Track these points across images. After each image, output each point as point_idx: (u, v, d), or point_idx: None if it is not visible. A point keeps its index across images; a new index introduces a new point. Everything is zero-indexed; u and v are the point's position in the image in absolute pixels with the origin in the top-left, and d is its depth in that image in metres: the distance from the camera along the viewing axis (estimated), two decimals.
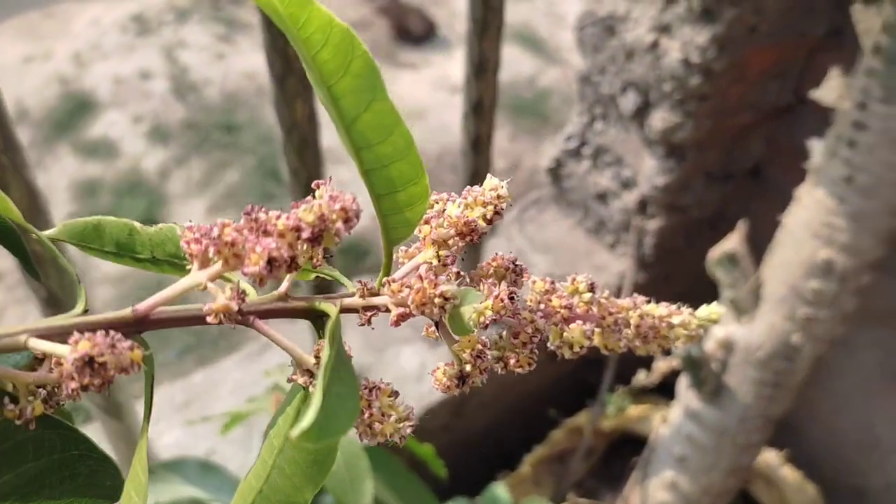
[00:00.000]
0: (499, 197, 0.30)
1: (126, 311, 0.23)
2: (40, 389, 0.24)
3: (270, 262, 0.22)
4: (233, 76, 2.96)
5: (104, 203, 2.52)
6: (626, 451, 1.08)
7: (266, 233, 0.23)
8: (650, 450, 0.98)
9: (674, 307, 0.36)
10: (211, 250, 0.22)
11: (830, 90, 0.97)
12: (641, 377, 1.02)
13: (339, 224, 0.22)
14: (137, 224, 0.30)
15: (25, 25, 3.20)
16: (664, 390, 1.08)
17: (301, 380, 0.26)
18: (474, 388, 0.29)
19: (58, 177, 2.62)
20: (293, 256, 0.22)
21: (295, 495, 0.32)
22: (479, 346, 0.29)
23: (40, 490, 0.26)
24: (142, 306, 0.23)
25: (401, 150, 0.24)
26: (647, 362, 1.06)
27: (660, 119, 0.92)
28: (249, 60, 3.04)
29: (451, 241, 0.29)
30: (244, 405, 0.78)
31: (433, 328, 0.30)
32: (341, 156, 2.28)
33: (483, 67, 0.83)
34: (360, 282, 0.27)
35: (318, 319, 0.27)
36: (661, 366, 0.97)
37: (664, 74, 0.90)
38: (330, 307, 0.26)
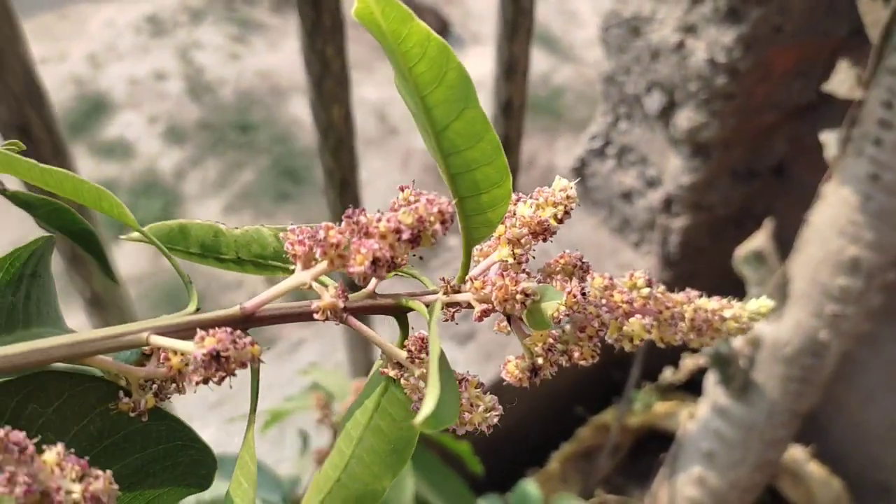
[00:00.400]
0: (568, 197, 0.31)
1: (235, 309, 0.24)
2: (149, 383, 0.26)
3: (375, 261, 0.23)
4: (247, 76, 2.98)
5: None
6: (652, 447, 1.09)
7: (367, 234, 0.24)
8: (678, 446, 0.99)
9: (725, 301, 0.37)
10: (317, 252, 0.23)
11: (841, 82, 0.98)
12: (668, 374, 1.03)
13: (437, 226, 0.24)
14: (223, 226, 0.31)
15: (40, 27, 3.23)
16: (690, 387, 1.09)
17: (392, 372, 0.27)
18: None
19: None
20: (393, 256, 0.24)
21: (374, 483, 0.33)
22: (550, 340, 0.30)
23: (144, 479, 0.27)
24: (249, 304, 0.25)
25: (488, 155, 0.25)
26: (673, 360, 1.07)
27: (685, 118, 0.93)
28: (264, 60, 3.06)
29: (523, 240, 0.31)
30: (283, 403, 0.79)
31: (504, 323, 0.31)
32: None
33: (513, 69, 0.84)
34: (443, 279, 0.28)
35: (402, 316, 0.29)
36: (689, 363, 0.98)
37: (690, 74, 0.91)
38: (417, 304, 0.27)
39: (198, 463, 0.28)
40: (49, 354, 0.22)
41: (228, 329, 0.22)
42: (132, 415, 0.25)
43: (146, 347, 0.25)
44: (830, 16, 0.93)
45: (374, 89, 2.95)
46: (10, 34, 0.54)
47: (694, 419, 0.98)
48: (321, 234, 0.24)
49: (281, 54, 3.08)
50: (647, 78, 0.97)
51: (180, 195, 2.58)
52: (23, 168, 0.23)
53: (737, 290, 0.91)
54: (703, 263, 1.10)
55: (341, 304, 0.24)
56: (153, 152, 2.68)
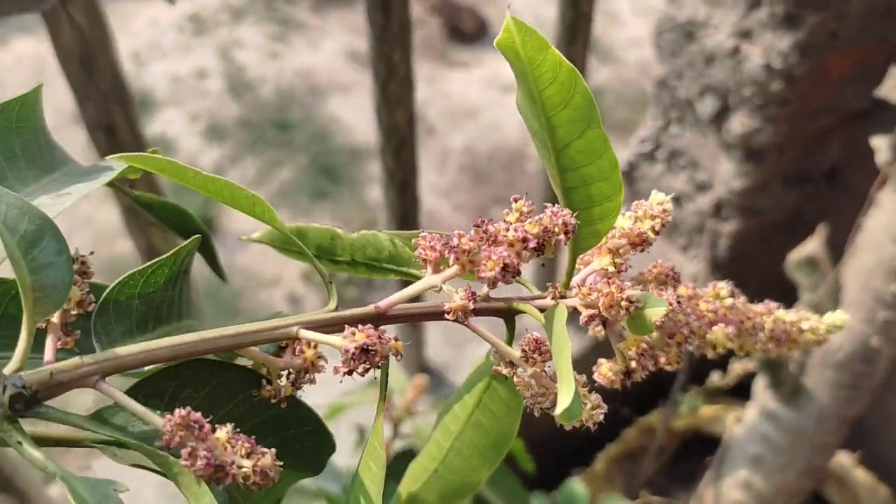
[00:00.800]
0: (664, 210, 0.33)
1: (370, 308, 0.27)
2: (285, 373, 0.28)
3: (504, 267, 0.25)
4: (287, 75, 3.02)
5: None
6: (697, 450, 1.10)
7: (495, 242, 0.26)
8: (724, 449, 1.00)
9: (802, 313, 0.38)
10: (451, 258, 0.26)
11: (895, 88, 0.98)
12: (716, 378, 1.04)
13: (561, 235, 0.26)
14: (340, 230, 0.33)
15: None
16: (736, 392, 1.09)
17: (505, 370, 0.29)
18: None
19: None
20: (518, 263, 0.26)
21: (471, 475, 0.35)
22: (644, 345, 0.32)
23: None
24: (383, 304, 0.27)
25: (605, 171, 0.27)
26: (720, 364, 1.08)
27: (739, 123, 0.94)
28: (303, 59, 3.10)
29: (622, 250, 0.32)
30: (343, 398, 0.82)
31: (599, 327, 0.33)
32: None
33: None
34: (551, 285, 0.30)
35: (510, 318, 0.31)
36: (738, 367, 0.99)
37: (745, 79, 0.92)
38: (529, 308, 0.29)
39: (319, 448, 0.30)
40: (215, 344, 0.24)
41: (371, 326, 0.24)
42: (273, 401, 0.27)
43: (309, 341, 0.28)
44: (886, 21, 0.93)
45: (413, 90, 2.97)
46: (101, 37, 0.58)
47: (741, 423, 0.99)
48: (454, 241, 0.26)
49: (320, 54, 3.12)
50: (701, 82, 0.98)
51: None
52: (188, 175, 0.25)
53: (786, 295, 0.92)
54: (752, 268, 1.10)
55: (472, 306, 0.26)
56: (193, 149, 2.73)
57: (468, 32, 3.18)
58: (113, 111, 0.59)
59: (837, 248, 0.93)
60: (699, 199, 1.05)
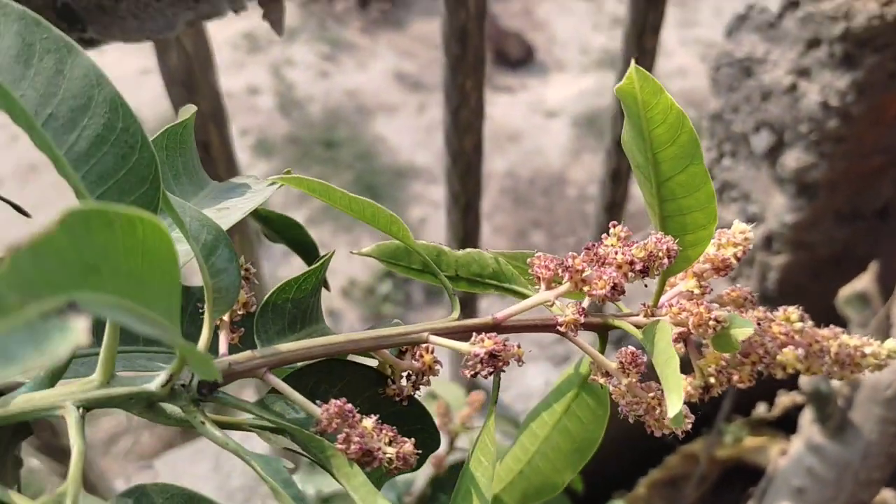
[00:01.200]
0: (745, 239, 0.36)
1: (488, 319, 0.30)
2: (406, 374, 0.31)
3: (614, 287, 0.28)
4: (335, 94, 3.10)
5: None
6: (738, 480, 1.10)
7: (604, 264, 0.29)
8: (767, 480, 1.01)
9: (865, 339, 0.41)
10: (565, 276, 0.29)
11: None
12: (761, 410, 1.05)
13: (665, 260, 0.29)
14: (445, 248, 0.37)
15: None
16: (780, 424, 1.10)
17: (602, 380, 0.32)
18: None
19: None
20: (623, 283, 0.29)
21: (554, 477, 0.38)
22: (723, 363, 0.35)
23: None
24: (500, 315, 0.30)
25: (702, 202, 0.30)
26: (763, 395, 1.09)
27: (794, 159, 0.96)
28: (352, 79, 3.18)
29: (706, 274, 0.35)
30: None
31: (681, 344, 0.35)
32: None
33: None
34: (644, 305, 0.33)
35: (604, 332, 0.34)
36: (785, 399, 1.00)
37: (801, 116, 0.94)
38: (625, 324, 0.32)
39: (427, 446, 0.33)
40: (359, 344, 0.28)
41: (494, 334, 0.28)
42: (396, 399, 0.31)
43: (437, 346, 0.31)
44: None
45: None
46: (205, 61, 0.62)
47: (786, 455, 1.00)
48: (569, 262, 0.29)
49: (368, 74, 3.20)
50: (757, 117, 1.00)
51: (265, 206, 2.70)
52: (335, 196, 0.29)
53: None
54: (801, 302, 1.11)
55: (582, 320, 0.29)
56: (243, 164, 2.81)
57: (514, 58, 3.23)
58: (210, 130, 0.64)
59: (888, 286, 0.94)
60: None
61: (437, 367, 0.31)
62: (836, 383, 0.92)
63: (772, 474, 1.00)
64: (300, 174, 0.31)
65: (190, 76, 0.61)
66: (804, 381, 0.93)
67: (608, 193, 0.96)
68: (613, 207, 0.96)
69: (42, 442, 0.60)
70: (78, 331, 0.15)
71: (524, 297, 0.34)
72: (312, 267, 0.29)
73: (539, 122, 3.07)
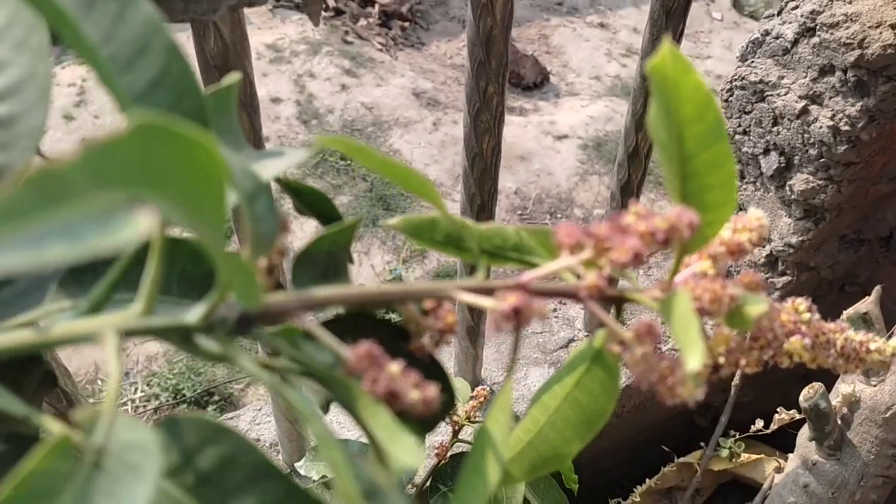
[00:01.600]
0: (761, 226, 0.37)
1: (512, 281, 0.31)
2: (428, 333, 0.32)
3: (635, 255, 0.29)
4: (353, 106, 3.14)
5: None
6: (733, 495, 1.11)
7: (627, 234, 0.30)
8: (762, 496, 1.01)
9: (871, 335, 0.42)
10: (588, 243, 0.30)
11: None
12: (759, 425, 1.05)
13: (686, 233, 0.30)
14: (470, 222, 0.38)
15: None
16: (777, 442, 1.10)
17: (617, 349, 0.33)
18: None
19: None
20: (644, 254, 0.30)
21: (563, 447, 0.39)
22: (732, 344, 0.36)
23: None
24: (524, 278, 0.31)
25: (723, 181, 0.31)
26: (763, 413, 1.09)
27: (802, 181, 0.97)
28: (370, 93, 3.22)
29: (720, 257, 0.37)
30: None
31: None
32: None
33: (644, 121, 0.90)
34: (659, 280, 0.35)
35: (620, 304, 0.35)
36: (783, 416, 1.01)
37: (812, 140, 0.95)
38: (641, 297, 0.33)
39: (445, 408, 0.35)
40: (390, 296, 0.29)
41: (523, 290, 0.29)
42: (417, 356, 0.32)
43: (426, 305, 0.32)
44: None
45: None
46: (241, 49, 0.64)
47: (783, 472, 1.00)
48: (592, 229, 0.30)
49: (386, 89, 3.24)
50: (767, 140, 1.02)
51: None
52: (372, 156, 0.30)
53: None
54: None
55: (605, 286, 0.30)
56: None
57: (528, 81, 3.27)
58: (242, 118, 0.66)
59: (889, 313, 0.95)
60: (755, 252, 1.08)
61: (457, 328, 0.32)
62: (835, 402, 0.93)
63: (767, 490, 1.00)
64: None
65: (226, 62, 0.62)
66: (803, 398, 0.94)
67: (617, 207, 0.97)
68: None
69: (58, 412, 0.61)
70: (141, 222, 0.16)
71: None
72: (347, 222, 0.30)
73: (549, 144, 3.10)
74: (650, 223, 0.30)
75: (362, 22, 3.66)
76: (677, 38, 0.84)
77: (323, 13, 3.46)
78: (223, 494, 0.25)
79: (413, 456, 0.24)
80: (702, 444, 1.10)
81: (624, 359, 0.34)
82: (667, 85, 0.29)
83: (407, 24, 3.72)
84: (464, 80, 2.96)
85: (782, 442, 1.08)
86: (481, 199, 0.85)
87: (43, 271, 0.37)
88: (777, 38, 1.02)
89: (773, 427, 0.99)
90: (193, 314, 0.25)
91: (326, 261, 0.30)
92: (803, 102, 0.97)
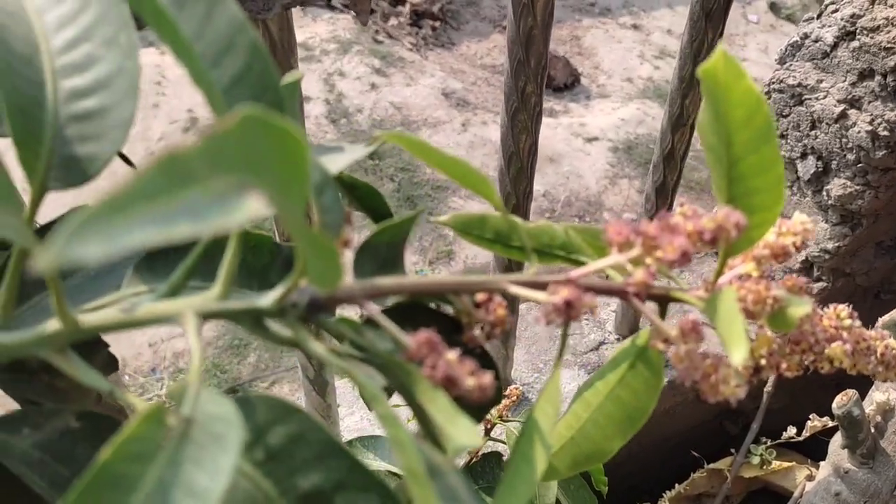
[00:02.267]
0: (806, 230, 0.38)
1: (562, 276, 0.32)
2: (479, 325, 0.34)
3: (683, 254, 0.31)
4: (382, 106, 3.17)
5: None
6: (762, 502, 1.10)
7: (674, 232, 0.31)
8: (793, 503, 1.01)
9: None
10: (637, 241, 0.31)
11: None
12: (791, 433, 1.05)
13: (733, 232, 0.31)
14: (518, 220, 0.39)
15: None
16: (808, 451, 1.10)
17: (661, 346, 0.34)
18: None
19: None
20: (692, 252, 0.31)
21: (604, 444, 0.40)
22: (774, 346, 0.37)
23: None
24: (573, 273, 0.32)
25: (771, 184, 0.32)
26: (794, 420, 1.09)
27: (839, 186, 0.97)
28: (399, 93, 3.24)
29: (764, 259, 0.37)
30: None
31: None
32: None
33: (681, 122, 0.91)
34: (704, 281, 0.36)
35: (664, 303, 0.36)
36: (815, 423, 1.00)
37: (850, 145, 0.95)
38: (686, 296, 0.34)
39: (493, 399, 0.36)
40: (447, 287, 0.30)
41: (573, 284, 0.30)
42: (468, 344, 0.33)
43: (478, 297, 0.34)
44: None
45: (499, 131, 3.05)
46: (288, 49, 0.66)
47: (814, 480, 1.00)
48: (642, 227, 0.31)
49: (416, 88, 3.26)
50: (804, 143, 1.01)
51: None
52: (431, 153, 0.32)
53: None
54: None
55: (653, 283, 0.31)
56: None
57: (559, 82, 3.27)
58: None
59: None
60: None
61: (508, 321, 0.34)
62: (868, 410, 0.92)
63: (798, 499, 1.00)
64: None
65: (273, 61, 0.64)
66: (836, 405, 0.93)
67: (651, 209, 0.98)
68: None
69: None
70: (252, 205, 0.17)
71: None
72: (407, 215, 0.32)
73: (579, 146, 3.09)
74: (698, 223, 0.31)
75: (393, 21, 3.69)
76: (717, 38, 0.84)
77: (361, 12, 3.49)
78: (290, 471, 0.27)
79: (471, 436, 0.25)
80: (732, 450, 1.10)
81: (667, 356, 0.35)
82: (718, 89, 0.30)
83: (438, 23, 3.74)
84: (493, 82, 2.96)
85: (813, 450, 1.08)
86: (516, 198, 0.86)
87: (114, 259, 0.39)
88: (816, 41, 1.01)
89: (806, 434, 0.99)
90: (268, 298, 0.27)
91: (386, 252, 0.32)
92: (842, 107, 0.96)
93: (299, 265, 0.26)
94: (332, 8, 3.49)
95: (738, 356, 0.27)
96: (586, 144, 3.11)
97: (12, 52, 0.28)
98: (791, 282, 0.39)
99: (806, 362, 0.40)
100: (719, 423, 1.21)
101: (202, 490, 0.21)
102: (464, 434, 0.25)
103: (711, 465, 1.10)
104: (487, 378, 0.29)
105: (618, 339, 1.14)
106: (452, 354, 0.29)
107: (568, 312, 0.30)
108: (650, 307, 0.36)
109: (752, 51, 3.78)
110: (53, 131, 0.28)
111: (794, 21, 3.93)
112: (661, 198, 0.97)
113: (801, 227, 0.38)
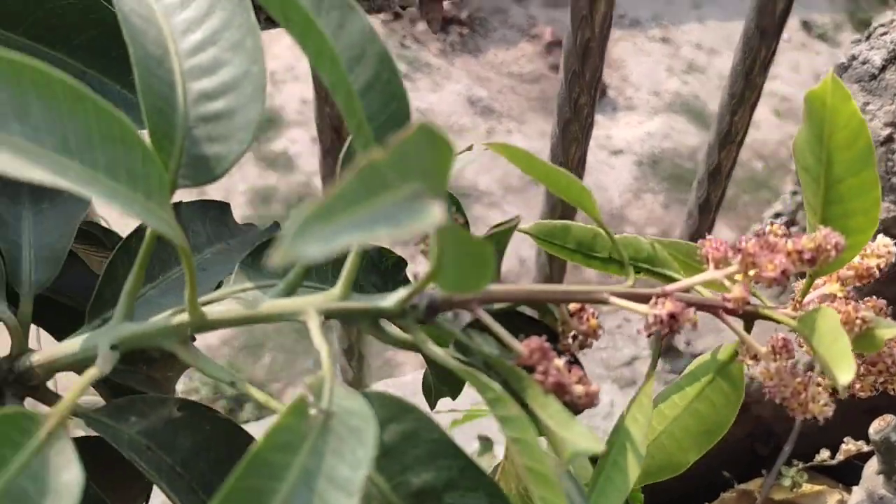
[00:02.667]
0: (889, 252, 0.38)
1: (658, 290, 0.33)
2: (573, 334, 0.35)
3: (783, 272, 0.31)
4: None
5: (276, 211, 2.73)
6: None
7: (774, 250, 0.32)
8: None
9: None
10: (735, 258, 0.32)
11: None
12: (824, 456, 1.05)
13: (833, 252, 0.32)
14: (602, 230, 0.40)
15: None
16: (840, 475, 1.09)
17: (750, 362, 0.35)
18: None
19: (238, 181, 2.88)
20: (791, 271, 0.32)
21: (679, 456, 0.41)
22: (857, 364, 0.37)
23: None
24: (668, 288, 0.33)
25: (867, 207, 0.33)
26: (826, 444, 1.09)
27: (884, 210, 0.97)
28: (425, 98, 3.26)
29: (848, 280, 0.38)
30: (473, 408, 0.88)
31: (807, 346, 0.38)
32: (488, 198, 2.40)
33: (729, 139, 0.91)
34: (793, 299, 0.36)
35: (750, 321, 0.37)
36: (850, 447, 1.00)
37: (895, 168, 0.95)
38: (778, 314, 0.35)
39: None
40: (554, 295, 0.31)
41: (675, 298, 0.31)
42: (564, 353, 0.34)
43: (571, 307, 0.34)
44: None
45: (524, 140, 3.06)
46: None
47: None
48: (741, 244, 0.32)
49: (441, 95, 3.27)
50: None
51: None
52: (535, 165, 0.33)
53: None
54: None
55: (749, 299, 0.32)
56: (311, 169, 2.88)
57: None
58: (343, 127, 0.69)
59: None
60: None
61: (600, 332, 0.34)
62: None
63: None
64: None
65: None
66: (874, 430, 0.93)
67: (694, 223, 0.98)
68: (695, 238, 0.98)
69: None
70: (436, 210, 0.18)
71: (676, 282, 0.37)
72: (510, 224, 0.33)
73: (603, 159, 3.09)
74: (798, 243, 0.32)
75: (420, 26, 3.71)
76: (770, 57, 0.85)
77: (382, 16, 3.51)
78: (403, 468, 0.28)
79: (589, 440, 0.26)
80: (763, 471, 1.10)
81: (754, 373, 0.35)
82: (824, 111, 0.31)
83: (465, 30, 3.76)
84: (519, 90, 2.95)
85: (846, 474, 1.08)
86: (562, 207, 0.87)
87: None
88: (864, 63, 1.01)
89: (840, 458, 0.99)
90: (391, 299, 0.28)
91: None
92: (888, 130, 0.96)
93: (433, 269, 0.26)
94: (380, 11, 3.51)
95: (845, 377, 0.27)
96: (611, 157, 3.11)
97: (149, 55, 0.29)
98: (872, 303, 0.40)
99: (878, 383, 0.40)
100: (750, 443, 1.21)
101: (344, 480, 0.22)
102: (582, 438, 0.26)
103: (742, 486, 1.10)
104: (595, 387, 0.29)
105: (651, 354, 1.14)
106: (561, 361, 0.29)
107: (671, 325, 0.30)
108: (736, 323, 0.37)
109: (784, 68, 3.76)
110: (184, 132, 0.29)
111: (825, 40, 3.92)
112: (705, 215, 0.97)
113: (885, 249, 0.38)
